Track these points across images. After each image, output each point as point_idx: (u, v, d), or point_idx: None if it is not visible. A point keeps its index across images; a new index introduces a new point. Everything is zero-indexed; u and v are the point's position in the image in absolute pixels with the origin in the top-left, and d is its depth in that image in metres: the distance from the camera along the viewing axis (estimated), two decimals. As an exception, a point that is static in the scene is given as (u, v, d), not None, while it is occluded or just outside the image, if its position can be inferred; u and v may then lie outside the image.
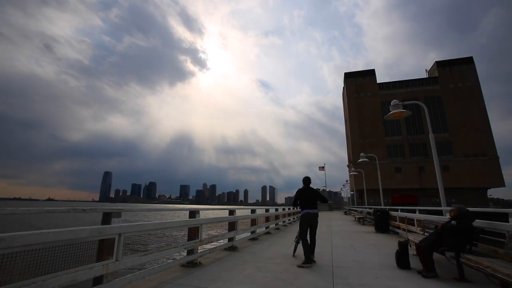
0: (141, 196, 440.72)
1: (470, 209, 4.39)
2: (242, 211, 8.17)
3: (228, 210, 6.85)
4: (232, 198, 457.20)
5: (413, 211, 8.90)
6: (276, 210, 12.66)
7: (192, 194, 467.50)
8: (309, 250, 5.00)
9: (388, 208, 11.54)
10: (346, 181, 55.01)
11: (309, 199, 5.45)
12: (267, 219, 10.29)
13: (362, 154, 19.13)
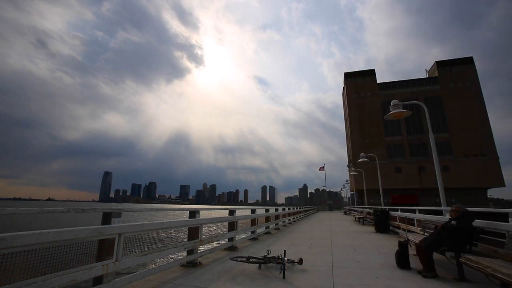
0: (141, 196, 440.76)
1: (470, 209, 4.39)
2: (242, 211, 8.17)
3: (228, 210, 6.85)
4: (232, 198, 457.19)
5: (413, 211, 8.89)
6: (276, 210, 12.66)
7: (192, 194, 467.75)
8: None
9: (388, 208, 11.54)
10: (346, 181, 55.04)
11: None
12: (267, 219, 10.29)
13: (362, 154, 19.12)
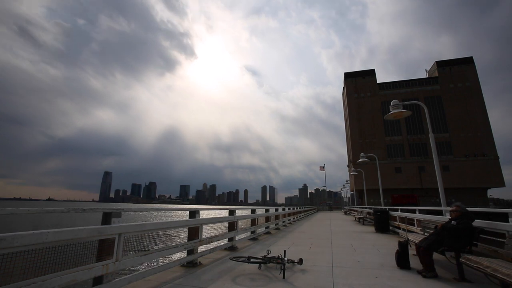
0: (141, 196, 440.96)
1: (470, 209, 4.39)
2: (242, 211, 8.17)
3: (228, 210, 6.85)
4: (232, 198, 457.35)
5: (413, 211, 8.90)
6: (276, 210, 12.65)
7: (192, 194, 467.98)
8: None
9: (388, 208, 11.53)
10: (346, 181, 55.03)
11: None
12: (267, 219, 10.28)
13: (362, 154, 19.12)
